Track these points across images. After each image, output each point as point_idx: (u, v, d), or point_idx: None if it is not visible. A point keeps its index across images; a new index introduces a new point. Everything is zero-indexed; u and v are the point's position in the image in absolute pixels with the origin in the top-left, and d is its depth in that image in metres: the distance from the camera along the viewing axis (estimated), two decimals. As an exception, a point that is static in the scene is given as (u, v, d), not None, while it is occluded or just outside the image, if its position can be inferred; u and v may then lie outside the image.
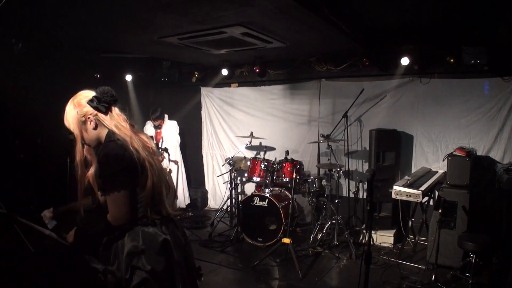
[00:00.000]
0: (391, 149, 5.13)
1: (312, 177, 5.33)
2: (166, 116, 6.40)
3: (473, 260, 3.54)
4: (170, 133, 6.33)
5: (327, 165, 5.14)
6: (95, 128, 1.94)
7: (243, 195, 5.60)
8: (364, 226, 5.26)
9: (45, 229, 1.96)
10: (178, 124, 6.77)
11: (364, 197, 5.28)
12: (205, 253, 4.75)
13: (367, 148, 5.44)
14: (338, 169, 5.02)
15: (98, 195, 2.00)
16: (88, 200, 2.09)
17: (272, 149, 5.92)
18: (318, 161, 5.78)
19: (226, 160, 6.07)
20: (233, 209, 5.84)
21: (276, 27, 3.91)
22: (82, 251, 1.95)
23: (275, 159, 5.58)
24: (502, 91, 4.67)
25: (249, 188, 6.30)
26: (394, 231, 5.02)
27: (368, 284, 2.55)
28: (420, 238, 4.64)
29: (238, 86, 6.64)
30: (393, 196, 4.07)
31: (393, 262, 4.35)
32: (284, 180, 5.23)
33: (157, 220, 1.96)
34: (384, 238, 4.99)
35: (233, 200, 5.82)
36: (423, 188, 4.04)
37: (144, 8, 3.31)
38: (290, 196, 4.77)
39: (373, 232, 4.91)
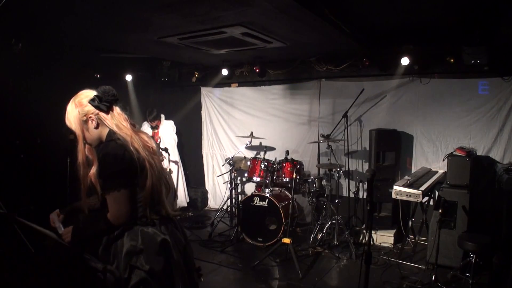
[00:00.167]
0: (391, 149, 5.13)
1: (312, 177, 5.33)
2: (162, 116, 6.40)
3: (473, 260, 3.54)
4: (167, 133, 6.33)
5: (327, 165, 5.14)
6: (97, 127, 1.94)
7: (243, 195, 5.60)
8: (364, 226, 5.26)
9: (45, 229, 1.96)
10: (178, 124, 6.77)
11: (364, 197, 5.28)
12: (205, 253, 4.75)
13: (367, 148, 5.44)
14: (338, 169, 5.02)
15: (98, 194, 2.00)
16: (94, 200, 2.08)
17: (272, 149, 5.92)
18: (318, 161, 5.78)
19: (226, 160, 6.07)
20: (233, 209, 5.84)
21: (276, 27, 3.91)
22: (81, 250, 1.95)
23: (275, 159, 5.58)
24: (502, 91, 4.67)
25: (249, 188, 6.30)
26: (394, 231, 5.02)
27: (368, 284, 2.55)
28: (420, 238, 4.64)
29: (238, 86, 6.64)
30: (393, 196, 4.07)
31: (393, 262, 4.35)
32: (284, 180, 5.23)
33: (156, 220, 1.96)
34: (384, 238, 4.99)
35: (233, 200, 5.81)
36: (423, 188, 4.04)
37: (144, 8, 3.31)
38: (290, 196, 4.77)
39: (373, 232, 4.91)
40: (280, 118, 6.28)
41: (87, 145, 1.98)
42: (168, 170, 5.73)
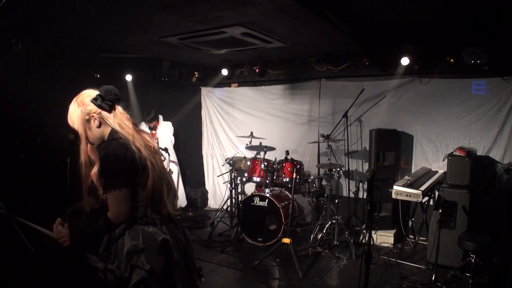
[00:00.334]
0: (391, 149, 5.13)
1: (312, 177, 5.33)
2: (160, 117, 6.40)
3: (473, 260, 3.54)
4: (165, 134, 6.32)
5: (327, 165, 5.14)
6: (99, 126, 1.94)
7: (243, 195, 5.60)
8: (364, 226, 5.26)
9: (45, 229, 1.96)
10: (179, 124, 6.77)
11: (364, 197, 5.28)
12: (205, 253, 4.75)
13: (367, 148, 5.44)
14: (338, 169, 5.02)
15: (100, 194, 2.00)
16: (92, 200, 2.09)
17: (272, 149, 5.92)
18: (318, 161, 5.78)
19: (226, 160, 6.07)
20: (233, 209, 5.84)
21: (276, 27, 3.91)
22: (82, 251, 1.96)
23: (275, 159, 5.58)
24: (502, 91, 4.67)
25: (249, 188, 6.30)
26: (394, 231, 5.02)
27: (368, 284, 2.55)
28: (420, 238, 4.64)
29: (238, 86, 6.64)
30: (393, 196, 4.07)
31: (393, 262, 4.35)
32: (284, 180, 5.23)
33: (157, 220, 1.96)
34: (384, 238, 4.99)
35: (233, 200, 5.81)
36: (423, 188, 4.04)
37: (144, 8, 3.31)
38: (290, 196, 4.77)
39: (373, 232, 4.91)
40: (280, 118, 6.28)
41: (89, 145, 1.98)
42: (168, 170, 5.73)
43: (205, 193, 7.05)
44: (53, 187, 5.03)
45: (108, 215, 1.86)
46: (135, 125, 2.04)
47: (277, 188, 5.43)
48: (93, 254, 1.96)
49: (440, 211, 3.74)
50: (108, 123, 1.94)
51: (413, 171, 5.22)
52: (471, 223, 4.00)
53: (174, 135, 6.52)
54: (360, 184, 5.29)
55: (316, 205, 5.35)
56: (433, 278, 3.74)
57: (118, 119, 1.96)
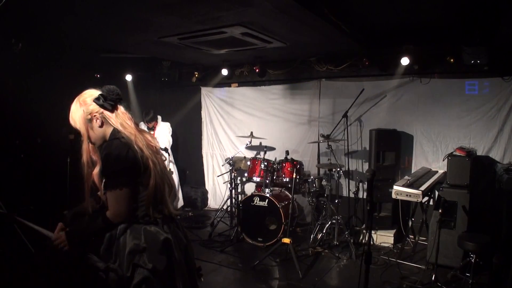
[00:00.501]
0: (391, 149, 5.13)
1: (312, 177, 5.33)
2: (159, 117, 6.39)
3: (473, 260, 3.54)
4: (163, 134, 6.31)
5: (327, 165, 5.14)
6: (101, 126, 1.95)
7: (243, 195, 5.59)
8: (364, 226, 5.26)
9: (45, 229, 1.97)
10: (179, 124, 6.76)
11: (364, 197, 5.28)
12: (205, 253, 4.75)
13: (367, 148, 5.44)
14: (338, 169, 5.02)
15: (101, 193, 2.01)
16: (92, 202, 2.09)
17: (272, 149, 5.92)
18: (318, 161, 5.78)
19: (226, 160, 6.07)
20: (233, 209, 5.84)
21: (276, 27, 3.91)
22: (82, 251, 1.96)
23: (275, 159, 5.58)
24: (502, 91, 4.67)
25: (249, 188, 6.30)
26: (394, 231, 5.02)
27: (368, 284, 2.55)
28: (420, 238, 4.64)
29: (238, 86, 6.64)
30: (393, 196, 4.07)
31: (393, 262, 4.35)
32: (284, 180, 5.23)
33: (159, 219, 1.97)
34: (384, 238, 4.99)
35: (233, 200, 5.81)
36: (423, 188, 4.04)
37: (144, 8, 3.31)
38: (290, 196, 4.77)
39: (373, 232, 4.91)
40: (280, 118, 6.28)
41: (91, 145, 1.99)
42: (168, 170, 5.72)
43: (205, 193, 7.05)
44: (53, 187, 5.03)
45: (107, 214, 1.87)
46: (137, 125, 2.05)
47: (277, 188, 5.43)
48: (93, 254, 1.96)
49: (440, 211, 3.74)
50: (110, 122, 1.95)
51: (413, 171, 5.22)
52: (471, 223, 4.00)
53: (172, 136, 6.51)
54: (360, 184, 5.29)
55: (316, 205, 5.35)
56: (433, 278, 3.74)
57: (120, 119, 1.96)
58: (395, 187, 4.06)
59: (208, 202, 7.04)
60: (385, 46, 4.94)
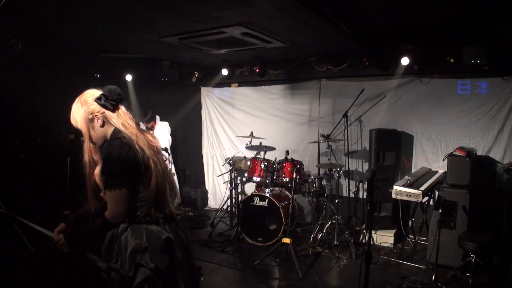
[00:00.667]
0: (391, 149, 5.13)
1: (312, 177, 5.33)
2: (157, 117, 6.39)
3: (473, 260, 3.54)
4: (162, 134, 6.32)
5: (327, 165, 5.14)
6: (102, 125, 1.95)
7: (243, 195, 5.59)
8: (364, 226, 5.26)
9: (45, 229, 1.96)
10: (178, 124, 6.76)
11: (364, 197, 5.28)
12: (205, 253, 4.75)
13: (367, 148, 5.44)
14: (338, 169, 5.01)
15: (103, 195, 2.01)
16: (95, 203, 2.08)
17: (272, 149, 5.92)
18: (318, 161, 5.78)
19: (226, 160, 6.07)
20: (233, 209, 5.84)
21: (276, 27, 3.91)
22: (83, 251, 1.96)
23: (275, 159, 5.58)
24: (502, 91, 4.67)
25: (249, 188, 6.30)
26: (394, 231, 5.02)
27: (368, 284, 2.55)
28: (420, 238, 4.64)
29: (238, 86, 6.64)
30: (393, 196, 4.07)
31: (393, 262, 4.35)
32: (284, 180, 5.23)
33: (160, 219, 1.97)
34: (384, 238, 4.99)
35: (233, 200, 5.81)
36: (423, 188, 4.04)
37: (144, 8, 3.31)
38: (290, 196, 4.77)
39: (373, 232, 4.91)
40: (280, 118, 6.28)
41: (92, 145, 1.99)
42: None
43: (205, 193, 7.05)
44: (53, 187, 5.03)
45: (106, 214, 1.87)
46: (138, 125, 2.05)
47: (277, 188, 5.42)
48: (95, 254, 1.96)
49: (440, 211, 3.74)
50: (112, 122, 1.95)
51: (413, 171, 5.22)
52: (471, 223, 4.00)
53: (171, 135, 6.51)
54: (360, 184, 5.29)
55: (316, 205, 5.35)
56: (433, 278, 3.74)
57: (122, 119, 1.97)
58: (395, 187, 4.06)
59: (208, 202, 7.04)
60: (385, 46, 4.94)
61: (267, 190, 5.09)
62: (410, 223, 4.71)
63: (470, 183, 4.10)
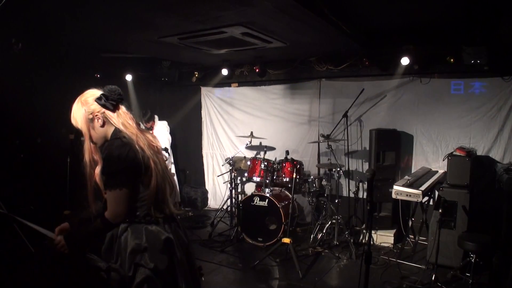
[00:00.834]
0: (391, 149, 5.13)
1: (312, 177, 5.34)
2: (156, 117, 6.39)
3: (473, 260, 3.54)
4: (161, 133, 6.32)
5: (327, 165, 5.14)
6: (103, 125, 1.95)
7: (243, 195, 5.59)
8: (364, 226, 5.26)
9: (45, 229, 1.96)
10: (178, 124, 6.75)
11: (364, 197, 5.29)
12: (205, 253, 4.75)
13: (367, 148, 5.44)
14: (338, 169, 5.02)
15: (105, 196, 2.01)
16: (99, 206, 2.08)
17: (272, 149, 5.92)
18: (318, 161, 5.78)
19: (226, 160, 6.07)
20: (233, 209, 5.84)
21: (276, 27, 3.91)
22: (83, 251, 1.96)
23: (275, 159, 5.58)
24: (502, 91, 4.67)
25: (249, 188, 6.30)
26: (394, 231, 5.02)
27: (368, 284, 2.55)
28: (420, 238, 4.64)
29: (238, 86, 6.64)
30: (393, 196, 4.07)
31: (393, 262, 4.35)
32: (284, 180, 5.23)
33: (160, 219, 1.97)
34: (384, 238, 4.99)
35: (233, 200, 5.81)
36: (423, 188, 4.04)
37: (144, 8, 3.31)
38: (290, 196, 4.77)
39: (373, 232, 4.91)
40: (280, 118, 6.28)
41: (92, 145, 1.99)
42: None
43: (205, 193, 7.05)
44: (53, 187, 5.03)
45: (106, 215, 1.87)
46: (138, 125, 2.05)
47: (277, 188, 5.43)
48: (95, 254, 1.96)
49: (440, 211, 3.74)
50: (112, 122, 1.95)
51: (413, 171, 5.22)
52: (471, 223, 4.00)
53: (171, 134, 6.52)
54: (360, 184, 5.29)
55: (316, 205, 5.35)
56: (433, 278, 3.74)
57: (122, 119, 1.97)
58: (395, 187, 4.06)
59: (208, 202, 7.04)
60: (385, 46, 4.94)
61: (267, 190, 5.09)
62: (410, 223, 4.71)
63: (470, 183, 4.10)
